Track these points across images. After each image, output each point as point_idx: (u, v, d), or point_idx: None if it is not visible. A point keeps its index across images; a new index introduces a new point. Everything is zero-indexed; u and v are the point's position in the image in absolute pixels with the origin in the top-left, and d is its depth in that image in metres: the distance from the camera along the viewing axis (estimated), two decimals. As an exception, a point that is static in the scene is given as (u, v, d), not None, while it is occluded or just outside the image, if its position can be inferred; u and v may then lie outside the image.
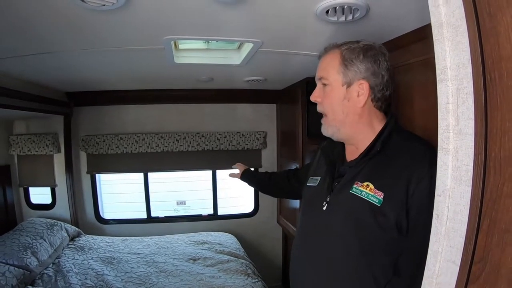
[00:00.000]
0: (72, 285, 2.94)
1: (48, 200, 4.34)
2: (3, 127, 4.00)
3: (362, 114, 1.39)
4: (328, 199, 1.39)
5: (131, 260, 3.45)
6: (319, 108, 1.44)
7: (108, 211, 4.54)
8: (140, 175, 4.48)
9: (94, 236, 4.12)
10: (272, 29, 1.85)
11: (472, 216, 0.68)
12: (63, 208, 4.22)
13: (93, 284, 2.95)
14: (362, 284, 1.29)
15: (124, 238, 4.07)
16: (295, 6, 1.55)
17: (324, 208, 1.39)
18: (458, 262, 0.71)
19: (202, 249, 3.76)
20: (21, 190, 4.23)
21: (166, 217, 4.60)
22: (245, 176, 2.40)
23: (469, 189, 0.70)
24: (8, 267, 2.86)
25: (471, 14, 0.67)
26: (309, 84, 3.36)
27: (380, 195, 1.24)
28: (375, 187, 1.26)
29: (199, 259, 3.52)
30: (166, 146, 4.23)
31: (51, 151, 4.09)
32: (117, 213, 4.59)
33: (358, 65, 1.35)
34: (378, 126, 1.41)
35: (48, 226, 3.76)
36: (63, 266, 3.26)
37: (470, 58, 0.69)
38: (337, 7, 1.54)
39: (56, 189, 4.25)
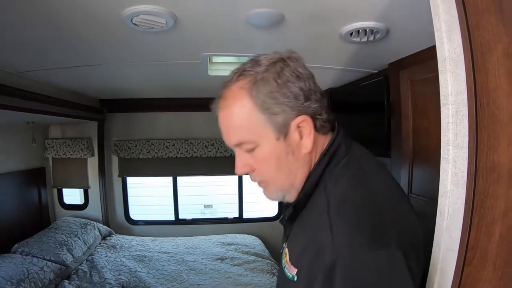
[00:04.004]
0: (107, 280, 3.14)
1: (78, 201, 4.59)
2: (39, 131, 4.22)
3: (311, 157, 0.99)
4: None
5: (162, 258, 3.64)
6: (253, 178, 1.02)
7: (136, 213, 4.75)
8: (169, 179, 4.67)
9: (125, 236, 4.33)
10: (300, 48, 2.02)
11: (467, 212, 0.85)
12: (95, 208, 4.47)
13: (127, 280, 3.15)
14: None
15: (153, 238, 4.27)
16: (324, 28, 1.72)
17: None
18: (457, 250, 0.87)
19: (229, 250, 3.92)
20: (55, 191, 4.48)
21: (193, 219, 4.78)
22: None
23: (464, 191, 0.87)
24: (46, 262, 3.07)
25: (468, 52, 0.85)
26: (332, 94, 3.53)
27: (293, 271, 0.90)
28: (289, 260, 0.94)
29: (226, 258, 3.68)
30: (195, 152, 4.41)
31: (85, 154, 4.33)
32: (144, 215, 4.80)
33: (281, 99, 0.90)
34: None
35: (82, 225, 4.00)
36: (97, 263, 3.48)
37: (466, 87, 0.87)
38: (360, 30, 1.71)
39: (89, 190, 4.49)
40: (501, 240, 0.81)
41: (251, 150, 0.94)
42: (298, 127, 0.93)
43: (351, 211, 0.82)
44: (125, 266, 3.44)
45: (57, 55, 2.14)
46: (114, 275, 3.25)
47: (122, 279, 3.18)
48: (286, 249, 0.96)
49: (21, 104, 2.52)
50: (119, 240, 4.15)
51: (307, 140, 0.94)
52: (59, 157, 4.34)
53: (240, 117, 0.91)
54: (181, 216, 4.75)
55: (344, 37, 1.79)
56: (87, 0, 1.37)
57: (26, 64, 2.29)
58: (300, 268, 0.87)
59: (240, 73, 0.93)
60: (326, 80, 3.12)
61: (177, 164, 4.50)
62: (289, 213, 1.01)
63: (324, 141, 0.99)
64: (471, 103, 0.84)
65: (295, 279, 0.88)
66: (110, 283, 3.10)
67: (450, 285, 0.91)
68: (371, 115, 2.84)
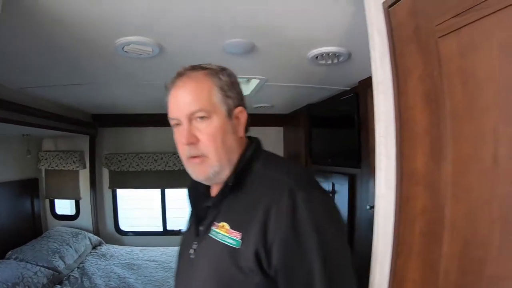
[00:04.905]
0: (97, 285, 3.31)
1: (69, 211, 4.78)
2: (33, 143, 4.40)
3: (242, 142, 1.18)
4: (195, 246, 1.17)
5: (150, 266, 3.80)
6: (192, 151, 1.10)
7: (125, 224, 4.92)
8: (158, 191, 4.87)
9: (115, 246, 4.49)
10: (274, 69, 2.28)
11: (396, 210, 1.07)
12: (86, 219, 4.63)
13: (117, 286, 3.32)
14: None
15: (142, 247, 4.42)
16: (292, 53, 1.96)
17: (192, 256, 1.17)
18: (390, 244, 1.10)
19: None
20: (47, 201, 4.65)
21: (180, 230, 4.91)
22: None
23: (393, 193, 1.10)
24: (39, 267, 3.24)
25: (395, 78, 1.08)
26: (311, 109, 3.76)
27: (236, 236, 1.03)
28: (231, 227, 1.06)
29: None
30: (182, 165, 4.53)
31: (77, 167, 4.52)
32: (133, 226, 4.97)
33: (233, 91, 1.14)
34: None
35: (73, 235, 4.16)
36: (88, 270, 3.64)
37: (393, 106, 1.09)
38: (324, 54, 1.94)
39: (80, 201, 4.66)
40: (420, 234, 1.02)
41: (201, 120, 1.06)
42: (239, 114, 1.13)
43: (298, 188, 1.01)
44: (115, 273, 3.60)
45: (55, 75, 2.35)
46: (104, 281, 3.40)
47: (111, 284, 3.33)
48: (222, 223, 1.07)
49: (19, 118, 2.70)
50: (109, 249, 4.30)
51: (241, 127, 1.15)
52: (52, 169, 4.51)
53: (203, 88, 1.07)
54: (169, 227, 4.92)
55: (311, 60, 2.03)
56: (85, 30, 1.58)
57: (26, 81, 2.50)
58: (247, 227, 1.01)
59: (200, 67, 1.12)
60: (302, 96, 3.35)
61: (165, 177, 4.69)
62: (220, 193, 1.11)
63: (244, 142, 1.19)
64: (397, 120, 1.07)
65: (240, 244, 1.01)
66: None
67: (388, 274, 1.12)
68: (345, 129, 3.05)
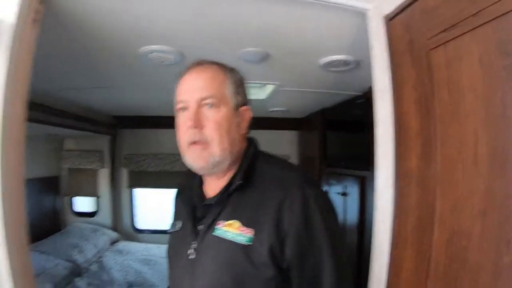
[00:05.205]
0: (115, 278, 3.47)
1: (87, 209, 4.94)
2: (55, 143, 4.61)
3: (241, 143, 1.19)
4: (194, 246, 1.14)
5: (166, 262, 3.88)
6: (196, 136, 1.09)
7: (142, 222, 5.07)
8: (174, 191, 4.93)
9: (131, 242, 4.63)
10: (288, 75, 2.39)
11: (394, 207, 1.18)
12: (104, 216, 4.80)
13: (133, 279, 3.47)
14: None
15: (158, 245, 4.51)
16: (304, 61, 2.07)
17: (191, 256, 1.13)
18: (388, 236, 1.20)
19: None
20: (67, 198, 4.82)
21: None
22: None
23: (391, 191, 1.20)
24: (59, 260, 3.39)
25: (393, 86, 1.19)
26: (325, 112, 3.85)
27: (249, 233, 1.04)
28: (243, 224, 1.06)
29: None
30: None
31: (98, 166, 4.69)
32: (150, 225, 5.10)
33: (242, 89, 1.19)
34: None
35: (92, 230, 4.33)
36: (106, 264, 3.79)
37: (391, 112, 1.20)
38: (334, 62, 2.04)
39: (100, 199, 4.82)
40: (413, 227, 1.12)
41: (210, 108, 1.09)
42: (245, 111, 1.17)
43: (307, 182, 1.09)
44: (132, 267, 3.74)
45: (79, 79, 2.50)
46: (121, 275, 3.56)
47: (129, 278, 3.49)
48: (231, 221, 1.07)
49: (50, 119, 2.89)
50: (126, 246, 4.44)
51: (245, 123, 1.18)
52: (73, 167, 4.68)
53: (217, 78, 1.12)
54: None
55: (323, 67, 2.13)
56: (112, 39, 1.72)
57: (57, 86, 2.64)
58: (259, 224, 1.03)
59: (215, 62, 1.17)
60: (316, 100, 3.46)
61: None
62: (223, 190, 1.12)
63: (244, 142, 1.21)
64: (394, 125, 1.18)
65: (252, 240, 1.02)
66: (118, 281, 3.41)
67: (387, 264, 1.22)
68: (358, 133, 3.12)
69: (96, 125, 4.10)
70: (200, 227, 1.14)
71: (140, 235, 4.93)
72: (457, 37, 0.86)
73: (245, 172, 1.13)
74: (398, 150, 1.19)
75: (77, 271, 3.47)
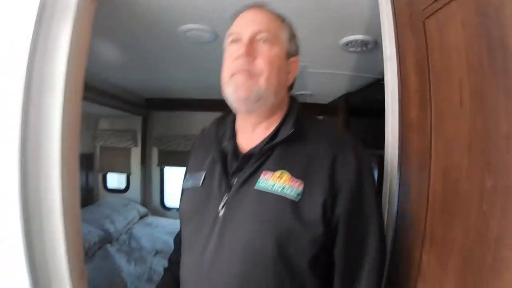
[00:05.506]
0: (143, 246, 3.72)
1: (118, 185, 5.25)
2: (90, 123, 4.90)
3: (285, 93, 1.15)
4: (225, 201, 1.05)
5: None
6: (246, 65, 1.02)
7: (171, 200, 5.30)
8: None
9: (159, 217, 4.86)
10: (311, 57, 2.55)
11: (399, 153, 1.36)
12: (134, 193, 5.08)
13: (161, 248, 3.69)
14: None
15: (186, 221, 4.77)
16: (326, 41, 2.22)
17: (221, 213, 1.04)
18: (396, 182, 1.38)
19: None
20: (100, 175, 5.12)
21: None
22: None
23: (397, 140, 1.37)
24: (92, 228, 3.64)
25: (397, 53, 1.36)
26: (348, 98, 3.96)
27: (299, 185, 0.98)
28: (292, 176, 0.99)
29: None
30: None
31: (130, 145, 4.96)
32: (177, 203, 5.27)
33: (295, 41, 1.16)
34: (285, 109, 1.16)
35: (123, 205, 4.60)
36: (135, 234, 4.04)
37: (396, 74, 1.37)
38: (353, 42, 2.19)
39: (131, 176, 5.10)
40: (415, 169, 1.24)
41: (264, 43, 1.04)
42: (294, 62, 1.14)
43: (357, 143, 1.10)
44: (160, 238, 3.96)
45: (122, 57, 2.71)
46: (149, 244, 3.80)
47: (157, 247, 3.72)
48: (279, 172, 1.00)
49: (88, 95, 3.10)
50: (154, 220, 4.68)
51: (292, 75, 1.15)
52: (106, 146, 4.95)
53: (275, 20, 1.10)
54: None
55: (342, 47, 2.27)
56: (152, 18, 1.90)
57: (95, 63, 2.80)
58: (310, 176, 0.99)
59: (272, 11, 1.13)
60: (339, 84, 3.57)
61: (210, 157, 4.98)
62: (268, 139, 1.07)
63: (287, 96, 1.19)
64: (398, 84, 1.36)
65: (301, 194, 0.97)
66: (146, 248, 3.66)
67: (395, 213, 1.35)
68: (380, 119, 3.19)
69: (129, 105, 4.34)
70: (235, 180, 1.06)
71: (168, 212, 5.15)
72: (444, 5, 1.01)
73: (295, 122, 1.07)
74: (401, 105, 1.35)
75: (108, 239, 3.72)
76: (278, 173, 1.00)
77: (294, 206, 0.97)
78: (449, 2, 1.01)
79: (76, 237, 1.30)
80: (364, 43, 2.21)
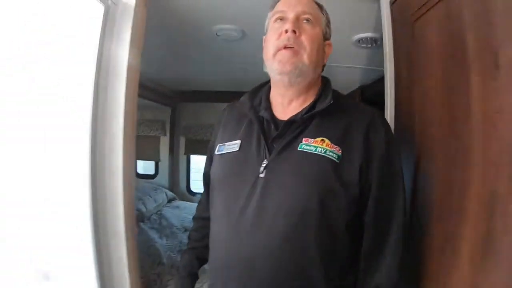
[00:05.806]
0: (173, 224, 4.01)
1: (144, 171, 5.59)
2: (124, 113, 5.22)
3: (320, 71, 1.26)
4: (265, 164, 1.11)
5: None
6: (291, 41, 1.11)
7: (196, 186, 5.57)
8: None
9: (186, 202, 5.14)
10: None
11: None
12: (163, 179, 5.39)
13: (189, 227, 3.77)
14: (327, 268, 1.06)
15: (213, 206, 5.03)
16: (339, 38, 2.40)
17: (262, 175, 1.10)
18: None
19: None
20: (131, 161, 5.45)
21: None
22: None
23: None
24: (125, 207, 3.94)
25: (393, 49, 1.66)
26: (363, 91, 4.10)
27: (338, 150, 1.06)
28: (332, 142, 1.08)
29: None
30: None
31: (159, 134, 5.28)
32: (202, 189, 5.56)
33: (330, 28, 1.27)
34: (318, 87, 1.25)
35: (153, 189, 4.87)
36: (165, 215, 4.31)
37: (392, 64, 1.67)
38: (364, 38, 2.44)
39: (160, 163, 5.43)
40: (415, 123, 1.50)
41: (307, 23, 1.14)
42: (328, 45, 1.26)
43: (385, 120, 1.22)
44: (187, 218, 4.21)
45: (160, 55, 2.97)
46: (178, 223, 4.08)
47: (185, 225, 4.00)
48: (320, 138, 1.09)
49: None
50: (182, 203, 4.95)
51: (326, 56, 1.26)
52: (137, 134, 5.21)
53: (315, 7, 1.21)
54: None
55: (355, 44, 2.51)
56: (190, 20, 2.15)
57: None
58: (347, 144, 1.09)
59: None
60: (353, 78, 3.78)
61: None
62: (307, 109, 1.16)
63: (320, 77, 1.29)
64: (393, 73, 1.67)
65: (340, 158, 1.07)
66: (176, 226, 3.97)
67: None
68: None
69: (160, 96, 4.61)
70: (275, 145, 1.13)
71: (194, 197, 5.40)
72: (427, 11, 1.31)
73: (333, 95, 1.16)
74: (396, 88, 1.68)
75: (141, 218, 3.98)
76: (319, 139, 1.09)
77: (336, 167, 1.05)
78: (429, 10, 1.30)
79: (130, 200, 1.56)
80: (373, 40, 2.45)
